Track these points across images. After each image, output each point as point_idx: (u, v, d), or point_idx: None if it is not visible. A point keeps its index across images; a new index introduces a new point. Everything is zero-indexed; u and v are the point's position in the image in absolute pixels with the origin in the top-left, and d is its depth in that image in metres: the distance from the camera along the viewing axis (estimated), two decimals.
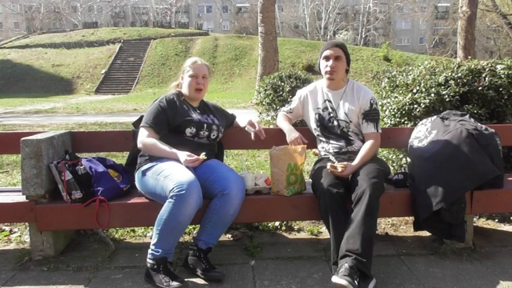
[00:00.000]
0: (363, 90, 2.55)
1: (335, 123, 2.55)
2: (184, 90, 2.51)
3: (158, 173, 2.24)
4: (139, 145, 2.37)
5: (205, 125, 2.46)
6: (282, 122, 2.74)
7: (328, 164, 2.35)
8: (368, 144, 2.48)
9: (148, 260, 2.15)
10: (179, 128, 2.39)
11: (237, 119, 2.83)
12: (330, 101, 2.58)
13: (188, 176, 2.15)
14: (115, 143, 2.71)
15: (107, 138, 2.73)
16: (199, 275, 2.19)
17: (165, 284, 2.06)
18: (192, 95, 2.49)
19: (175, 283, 2.05)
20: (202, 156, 2.25)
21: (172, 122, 2.39)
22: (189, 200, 2.10)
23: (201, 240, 2.26)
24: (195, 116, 2.46)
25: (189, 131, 2.40)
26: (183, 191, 2.08)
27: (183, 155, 2.24)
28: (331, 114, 2.57)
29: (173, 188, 2.10)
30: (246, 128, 2.63)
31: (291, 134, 2.60)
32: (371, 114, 2.51)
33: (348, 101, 2.54)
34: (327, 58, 2.51)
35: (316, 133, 2.67)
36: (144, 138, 2.34)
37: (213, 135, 2.50)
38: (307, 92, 2.69)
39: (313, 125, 2.65)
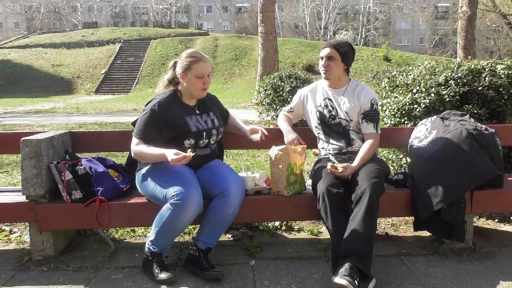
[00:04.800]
0: (364, 90, 2.54)
1: (336, 120, 2.55)
2: (187, 89, 2.33)
3: (158, 177, 2.24)
4: (132, 153, 2.32)
5: (204, 133, 2.34)
6: (282, 123, 2.74)
7: (329, 164, 2.35)
8: (367, 144, 2.47)
9: (145, 251, 2.23)
10: (176, 139, 2.29)
11: (231, 117, 2.69)
12: (330, 99, 2.58)
13: (188, 183, 2.14)
14: (115, 143, 2.70)
15: (107, 138, 2.73)
16: (199, 275, 2.20)
17: (155, 274, 2.15)
18: (197, 95, 2.36)
19: (163, 275, 2.14)
20: (189, 153, 2.11)
21: (167, 133, 2.26)
22: (188, 209, 2.10)
23: (200, 241, 2.27)
24: (193, 124, 2.31)
25: (188, 142, 2.30)
26: (183, 201, 2.08)
27: (170, 154, 2.10)
28: (332, 112, 2.57)
29: (173, 196, 2.10)
30: (252, 137, 2.54)
31: (288, 135, 2.60)
32: (371, 115, 2.51)
33: (348, 99, 2.53)
34: (321, 58, 2.54)
35: (316, 131, 2.66)
36: (134, 147, 2.27)
37: (213, 139, 2.43)
38: (307, 91, 2.70)
39: (314, 123, 2.65)
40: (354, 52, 2.58)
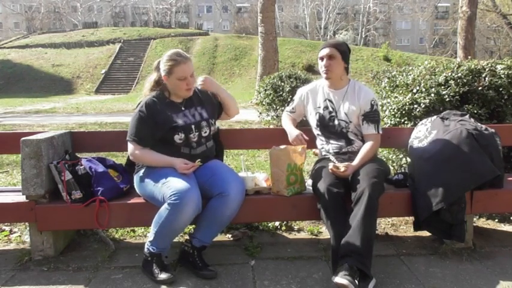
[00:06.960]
0: (363, 91, 2.54)
1: (336, 122, 2.55)
2: (172, 91, 2.35)
3: (156, 178, 2.24)
4: (130, 157, 2.34)
5: (192, 126, 2.33)
6: (285, 122, 2.75)
7: (330, 165, 2.35)
8: (368, 145, 2.48)
9: (144, 252, 2.24)
10: (166, 136, 2.30)
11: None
12: (330, 101, 2.58)
13: (186, 184, 2.13)
14: (115, 143, 2.70)
15: (107, 138, 2.73)
16: (193, 273, 2.22)
17: (155, 274, 2.16)
18: (183, 95, 2.36)
19: (163, 275, 2.14)
20: (198, 163, 2.26)
21: (157, 132, 2.29)
22: (186, 209, 2.10)
23: (195, 238, 2.28)
24: (180, 119, 2.32)
25: (178, 137, 2.29)
26: (180, 201, 2.07)
27: (179, 163, 2.23)
28: (332, 114, 2.57)
29: (170, 196, 2.09)
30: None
31: (292, 132, 2.61)
32: (371, 115, 2.50)
33: (349, 101, 2.53)
34: (321, 58, 2.53)
35: (316, 132, 2.67)
36: (134, 151, 2.30)
37: (205, 132, 2.38)
38: (307, 91, 2.70)
39: (313, 124, 2.65)
40: (349, 51, 2.58)
